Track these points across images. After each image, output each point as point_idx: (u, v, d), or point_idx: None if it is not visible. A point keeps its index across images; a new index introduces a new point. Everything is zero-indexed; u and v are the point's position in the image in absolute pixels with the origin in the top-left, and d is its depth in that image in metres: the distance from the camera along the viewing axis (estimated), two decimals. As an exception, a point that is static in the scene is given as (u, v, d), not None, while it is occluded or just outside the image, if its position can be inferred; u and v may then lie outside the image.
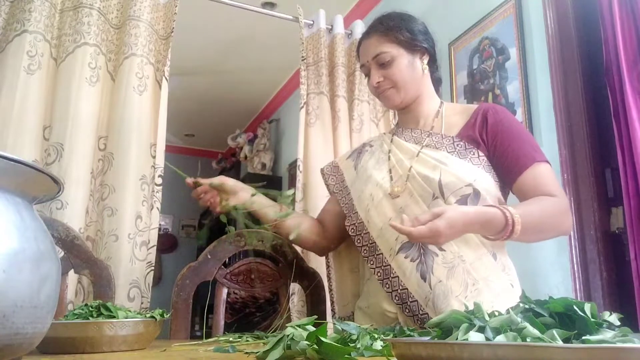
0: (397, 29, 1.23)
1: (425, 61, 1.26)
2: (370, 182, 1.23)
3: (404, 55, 1.22)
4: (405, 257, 1.11)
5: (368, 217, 1.20)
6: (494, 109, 1.21)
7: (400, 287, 1.11)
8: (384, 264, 1.14)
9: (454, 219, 0.94)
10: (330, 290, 1.40)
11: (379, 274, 1.15)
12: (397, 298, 1.11)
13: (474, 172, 1.12)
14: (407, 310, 1.09)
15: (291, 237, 1.32)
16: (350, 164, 1.38)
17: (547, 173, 1.12)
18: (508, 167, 1.14)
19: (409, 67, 1.23)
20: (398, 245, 1.13)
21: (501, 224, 0.99)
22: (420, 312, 1.07)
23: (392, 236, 1.14)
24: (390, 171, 1.22)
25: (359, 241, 1.21)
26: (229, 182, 1.32)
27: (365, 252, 1.19)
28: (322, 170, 1.46)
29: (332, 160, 1.55)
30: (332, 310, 1.36)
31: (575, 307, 0.39)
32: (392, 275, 1.12)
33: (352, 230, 1.23)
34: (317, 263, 1.61)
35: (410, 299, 1.09)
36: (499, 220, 0.99)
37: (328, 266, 1.43)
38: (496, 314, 0.44)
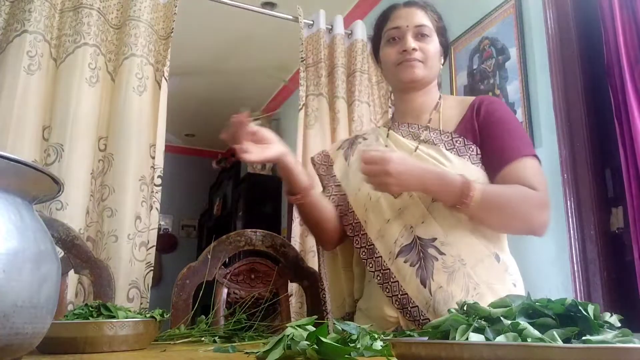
0: (438, 15, 1.25)
1: (443, 59, 1.26)
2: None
3: (436, 40, 1.22)
4: (405, 262, 1.08)
5: (365, 217, 1.17)
6: (488, 100, 1.19)
7: (401, 292, 1.08)
8: (383, 268, 1.11)
9: (406, 157, 1.03)
10: (322, 290, 1.34)
11: (378, 278, 1.12)
12: (397, 303, 1.08)
13: (473, 172, 1.10)
14: (407, 315, 1.07)
15: None
16: (341, 154, 1.33)
17: (533, 167, 1.10)
18: (493, 158, 1.11)
19: (437, 53, 1.23)
20: (397, 249, 1.10)
21: (458, 184, 1.01)
22: (422, 317, 1.05)
23: (391, 238, 1.11)
24: None
25: (357, 242, 1.18)
26: (266, 131, 1.12)
27: (364, 254, 1.16)
28: (312, 159, 1.39)
29: (323, 149, 1.45)
30: (325, 310, 1.30)
31: (579, 307, 0.39)
32: (392, 280, 1.09)
33: (350, 231, 1.20)
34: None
35: (410, 304, 1.06)
36: (456, 180, 1.01)
37: (319, 265, 1.39)
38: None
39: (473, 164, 1.11)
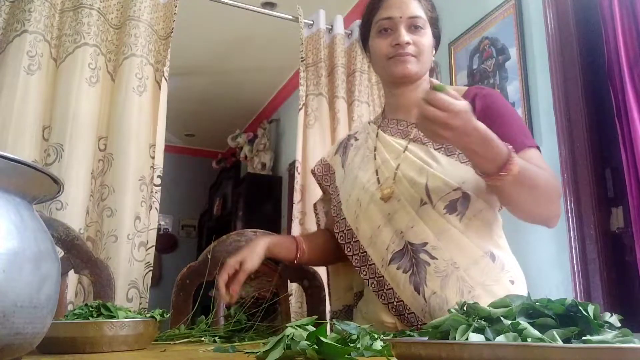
0: (431, 5, 1.19)
1: (434, 50, 1.21)
2: (357, 184, 1.17)
3: (430, 32, 1.16)
4: (398, 268, 1.06)
5: (357, 224, 1.14)
6: (482, 93, 1.13)
7: (396, 299, 1.06)
8: (377, 275, 1.09)
9: (470, 113, 0.87)
10: (326, 284, 1.35)
11: (373, 285, 1.09)
12: (393, 310, 1.06)
13: (462, 173, 1.05)
14: (405, 321, 1.05)
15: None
16: (338, 160, 1.30)
17: (539, 158, 1.06)
18: None
19: (431, 46, 1.17)
20: (389, 255, 1.07)
21: (505, 150, 0.90)
22: (419, 323, 1.03)
23: (383, 245, 1.09)
24: (376, 172, 1.15)
25: (348, 250, 1.15)
26: (250, 266, 1.15)
27: (356, 261, 1.13)
28: (312, 171, 1.37)
29: (321, 158, 1.41)
30: (326, 304, 1.31)
31: (579, 307, 0.39)
32: (386, 287, 1.07)
33: (342, 238, 1.17)
34: (317, 263, 1.61)
35: (407, 311, 1.05)
36: (503, 147, 0.90)
37: None
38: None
39: (462, 162, 1.06)
